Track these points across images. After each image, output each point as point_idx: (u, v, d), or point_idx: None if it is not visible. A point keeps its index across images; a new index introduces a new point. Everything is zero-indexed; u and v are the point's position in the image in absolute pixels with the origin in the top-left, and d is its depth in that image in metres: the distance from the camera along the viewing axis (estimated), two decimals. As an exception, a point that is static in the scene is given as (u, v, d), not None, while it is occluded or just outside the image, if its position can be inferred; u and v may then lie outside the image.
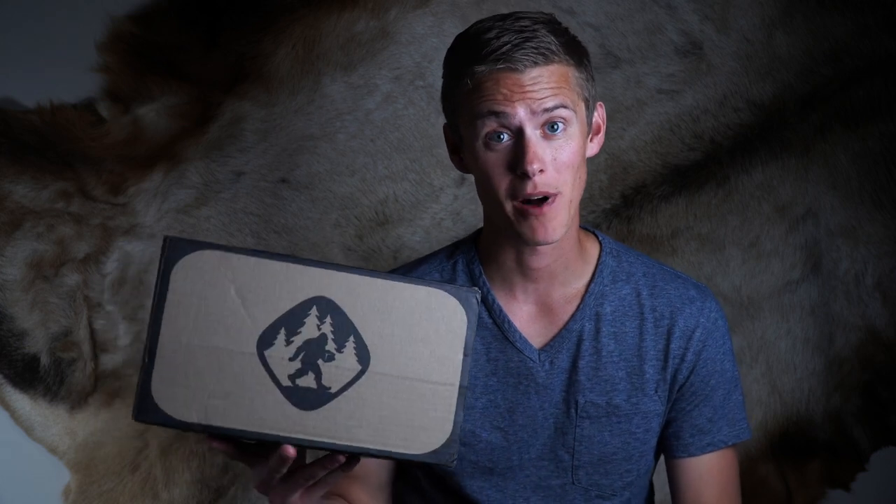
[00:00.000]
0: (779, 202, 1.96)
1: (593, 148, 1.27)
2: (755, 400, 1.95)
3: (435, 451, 1.04)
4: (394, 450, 1.03)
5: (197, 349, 0.99)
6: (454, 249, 1.35)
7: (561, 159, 1.18)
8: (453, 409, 1.05)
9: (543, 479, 1.31)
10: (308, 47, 1.86)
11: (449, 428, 1.04)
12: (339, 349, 1.02)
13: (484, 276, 1.30)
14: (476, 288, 1.07)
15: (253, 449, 1.05)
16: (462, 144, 1.24)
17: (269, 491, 1.07)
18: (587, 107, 1.23)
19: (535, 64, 1.16)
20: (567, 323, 1.29)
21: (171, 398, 0.98)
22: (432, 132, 1.89)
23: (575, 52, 1.21)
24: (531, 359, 1.29)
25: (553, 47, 1.17)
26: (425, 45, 1.88)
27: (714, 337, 1.32)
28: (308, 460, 1.08)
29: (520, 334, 1.29)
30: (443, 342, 1.05)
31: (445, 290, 1.05)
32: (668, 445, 1.34)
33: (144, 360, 0.98)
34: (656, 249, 1.94)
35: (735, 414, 1.34)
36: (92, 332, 1.83)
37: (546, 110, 1.17)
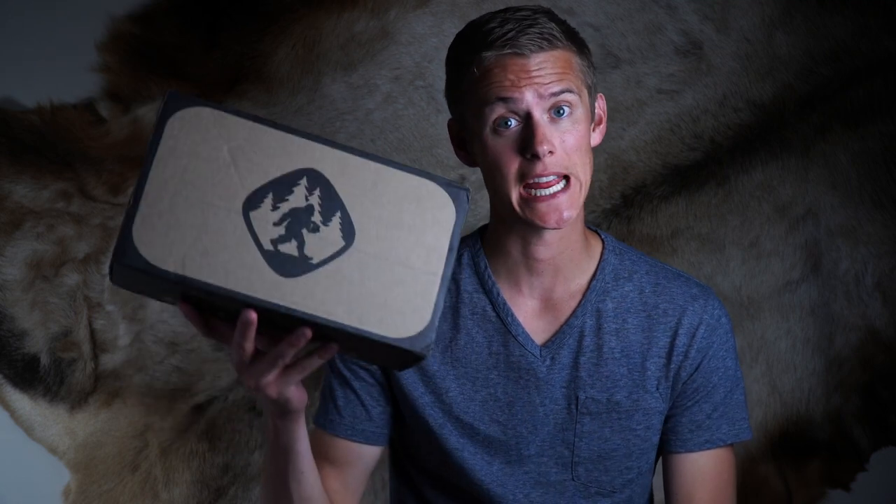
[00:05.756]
0: (779, 202, 1.96)
1: (596, 138, 1.28)
2: (755, 400, 1.95)
3: (410, 338, 1.02)
4: (369, 328, 1.01)
5: (182, 200, 0.97)
6: (461, 242, 1.35)
7: (568, 142, 1.19)
8: (434, 297, 1.03)
9: (543, 475, 1.31)
10: (308, 47, 1.86)
11: (428, 316, 1.02)
12: (325, 222, 1.01)
13: (489, 270, 1.30)
14: (467, 186, 1.07)
15: (222, 326, 1.04)
16: (469, 136, 1.25)
17: (244, 371, 1.05)
18: (590, 93, 1.24)
19: (541, 49, 1.18)
20: (569, 319, 1.29)
21: (151, 244, 0.96)
22: (432, 132, 1.89)
23: (575, 39, 1.24)
24: (532, 354, 1.29)
25: (556, 33, 1.20)
26: (425, 45, 1.88)
27: (718, 334, 1.32)
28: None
29: (522, 329, 1.29)
30: (429, 231, 1.03)
31: (437, 182, 1.05)
32: (666, 440, 1.34)
33: (129, 203, 0.96)
34: (656, 249, 1.94)
35: (736, 413, 1.34)
36: (92, 332, 1.82)
37: (553, 94, 1.18)
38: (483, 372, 1.29)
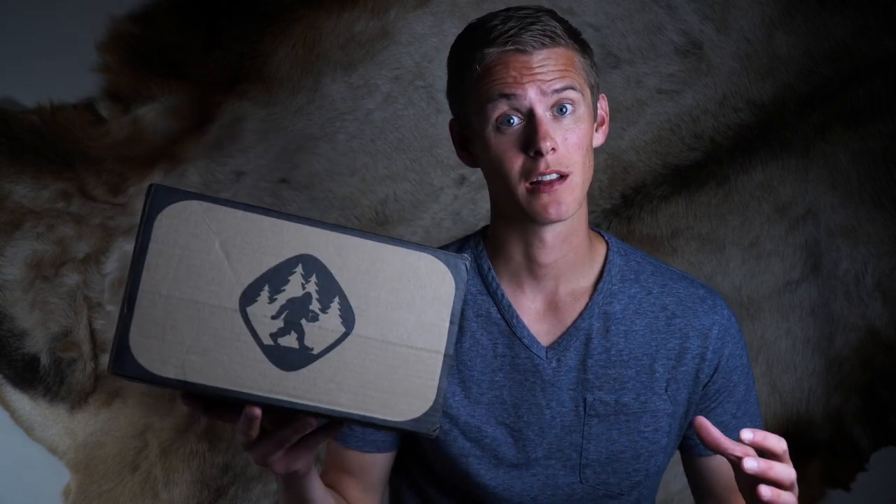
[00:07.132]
0: (779, 202, 1.96)
1: (598, 138, 1.28)
2: (755, 400, 1.96)
3: (416, 420, 1.01)
4: (374, 415, 1.00)
5: (177, 302, 0.95)
6: (463, 244, 1.35)
7: (571, 140, 1.19)
8: (437, 376, 1.01)
9: (551, 478, 1.30)
10: (308, 47, 1.86)
11: (432, 396, 1.01)
12: (324, 310, 0.99)
13: (493, 272, 1.30)
14: (466, 255, 1.05)
15: (222, 408, 1.02)
16: (471, 135, 1.25)
17: (250, 450, 1.05)
18: (592, 93, 1.24)
19: (543, 45, 1.18)
20: (575, 321, 1.29)
21: (149, 351, 0.94)
22: (432, 132, 1.89)
23: (578, 39, 1.24)
24: (538, 356, 1.28)
25: (558, 31, 1.20)
26: (425, 45, 1.88)
27: (731, 333, 1.32)
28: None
29: (528, 331, 1.29)
30: (429, 308, 1.01)
31: (434, 255, 1.02)
32: (694, 445, 1.34)
33: (123, 311, 0.94)
34: (656, 249, 1.94)
35: (755, 410, 1.35)
36: (92, 332, 1.82)
37: (555, 91, 1.18)
38: (489, 374, 1.29)
